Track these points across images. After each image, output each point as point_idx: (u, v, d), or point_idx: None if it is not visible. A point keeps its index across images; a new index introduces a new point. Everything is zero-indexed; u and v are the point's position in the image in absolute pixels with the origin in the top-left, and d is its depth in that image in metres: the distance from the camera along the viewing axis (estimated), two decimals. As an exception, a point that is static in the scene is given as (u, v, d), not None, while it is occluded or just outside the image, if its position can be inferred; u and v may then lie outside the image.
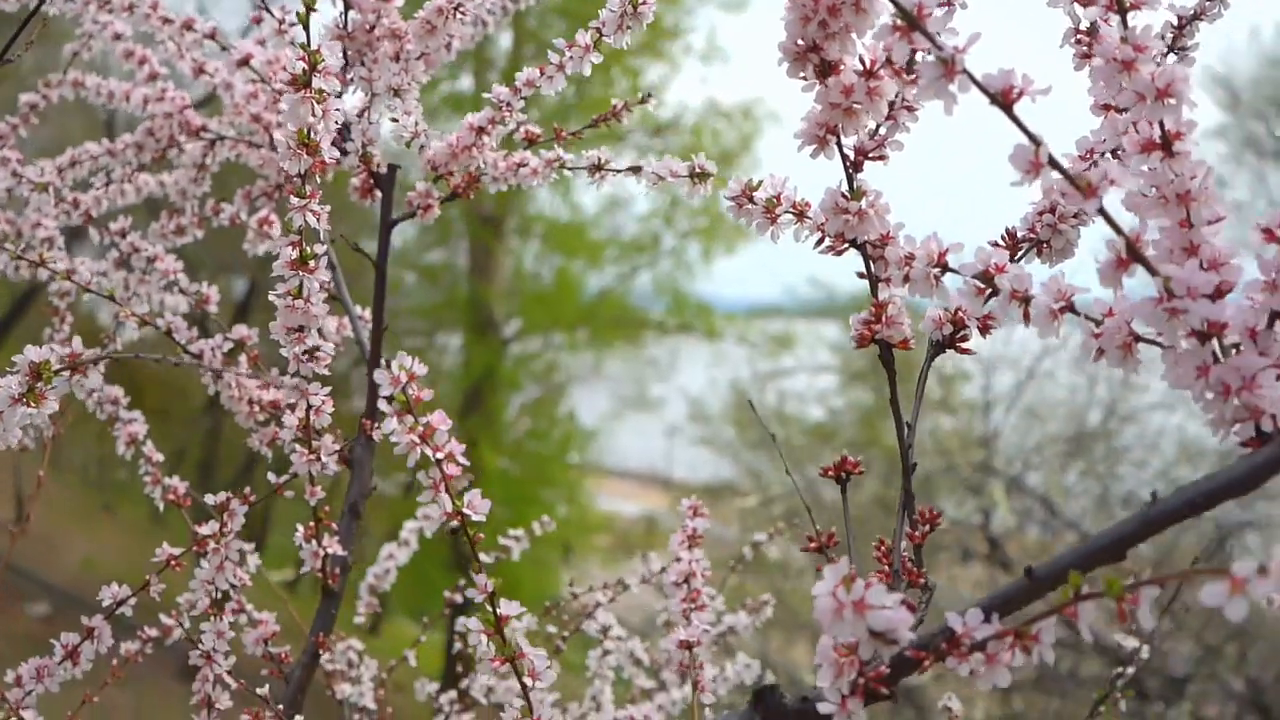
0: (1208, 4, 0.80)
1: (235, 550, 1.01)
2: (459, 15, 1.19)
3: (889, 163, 0.78)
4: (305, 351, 0.99)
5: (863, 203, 0.77)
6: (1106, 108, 0.70)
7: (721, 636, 1.80)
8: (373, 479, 1.27)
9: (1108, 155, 0.74)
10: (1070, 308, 0.68)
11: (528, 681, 0.78)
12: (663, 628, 1.44)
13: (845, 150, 0.77)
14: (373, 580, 1.77)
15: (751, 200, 0.81)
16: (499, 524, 1.79)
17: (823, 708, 0.61)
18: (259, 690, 1.07)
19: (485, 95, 1.22)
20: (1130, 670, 1.33)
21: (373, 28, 1.21)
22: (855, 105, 0.73)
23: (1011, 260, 0.78)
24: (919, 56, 0.63)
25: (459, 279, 9.73)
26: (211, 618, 1.01)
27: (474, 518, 0.77)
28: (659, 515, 9.69)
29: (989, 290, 0.71)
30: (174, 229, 1.51)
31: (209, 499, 1.01)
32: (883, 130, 0.78)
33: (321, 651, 1.18)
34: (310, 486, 1.08)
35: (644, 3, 1.09)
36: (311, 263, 0.95)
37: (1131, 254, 0.62)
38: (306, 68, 0.92)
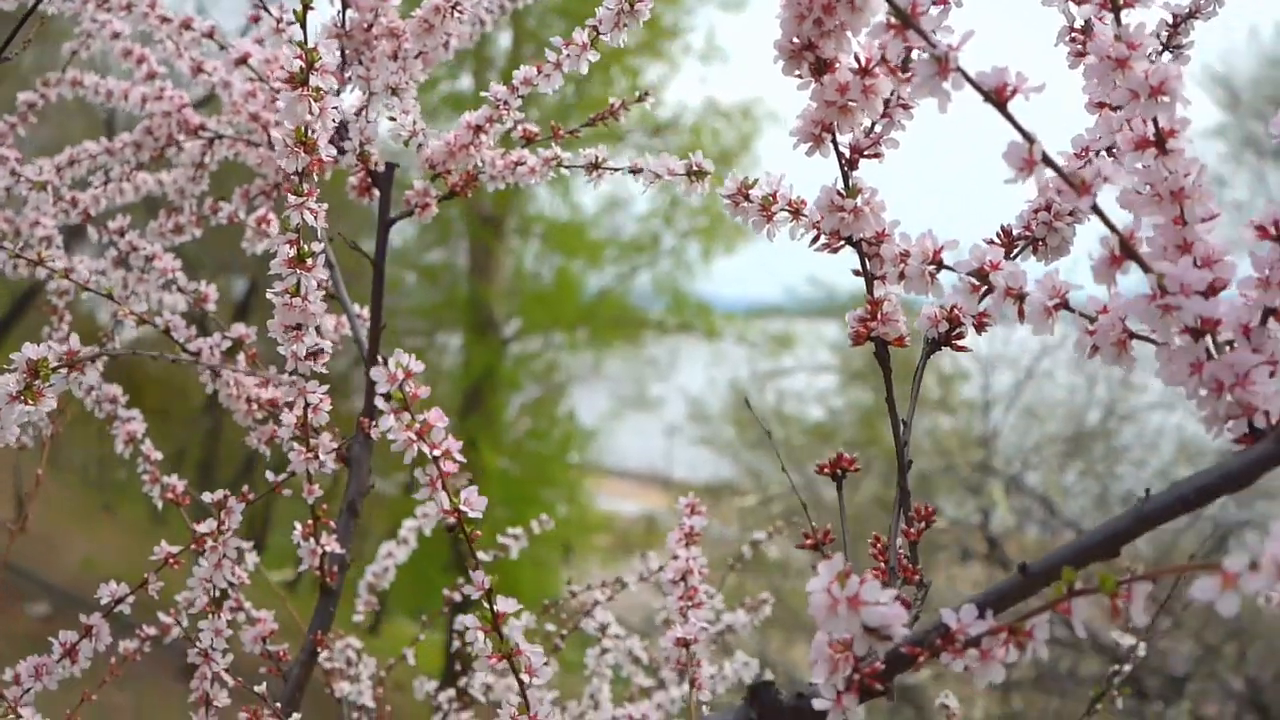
0: (1202, 2, 0.80)
1: (233, 548, 1.01)
2: (456, 14, 1.19)
3: (884, 160, 0.78)
4: (308, 354, 0.99)
5: (858, 200, 0.77)
6: (1101, 105, 0.70)
7: (720, 635, 1.80)
8: (371, 478, 1.27)
9: (1102, 153, 0.75)
10: (1065, 305, 0.68)
11: (525, 678, 0.78)
12: (662, 626, 1.44)
13: (841, 148, 0.77)
14: (371, 579, 1.77)
15: (748, 198, 0.82)
16: (499, 524, 1.79)
17: (818, 704, 0.61)
18: (257, 688, 1.07)
19: (483, 94, 1.22)
20: (1127, 668, 1.33)
21: (370, 26, 1.21)
22: (851, 103, 0.73)
23: (1007, 258, 0.78)
24: (914, 54, 0.63)
25: (459, 279, 9.74)
26: (210, 616, 1.02)
27: (471, 515, 0.77)
28: (659, 515, 9.69)
29: (984, 287, 0.71)
30: (172, 228, 1.51)
31: (207, 497, 1.01)
32: (878, 128, 0.79)
33: (320, 649, 1.19)
34: (308, 485, 1.09)
35: (640, 1, 1.09)
36: (309, 260, 0.96)
37: (1125, 251, 0.62)
38: (304, 66, 0.92)
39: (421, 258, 9.50)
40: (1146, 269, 0.62)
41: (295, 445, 1.05)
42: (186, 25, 1.40)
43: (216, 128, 1.49)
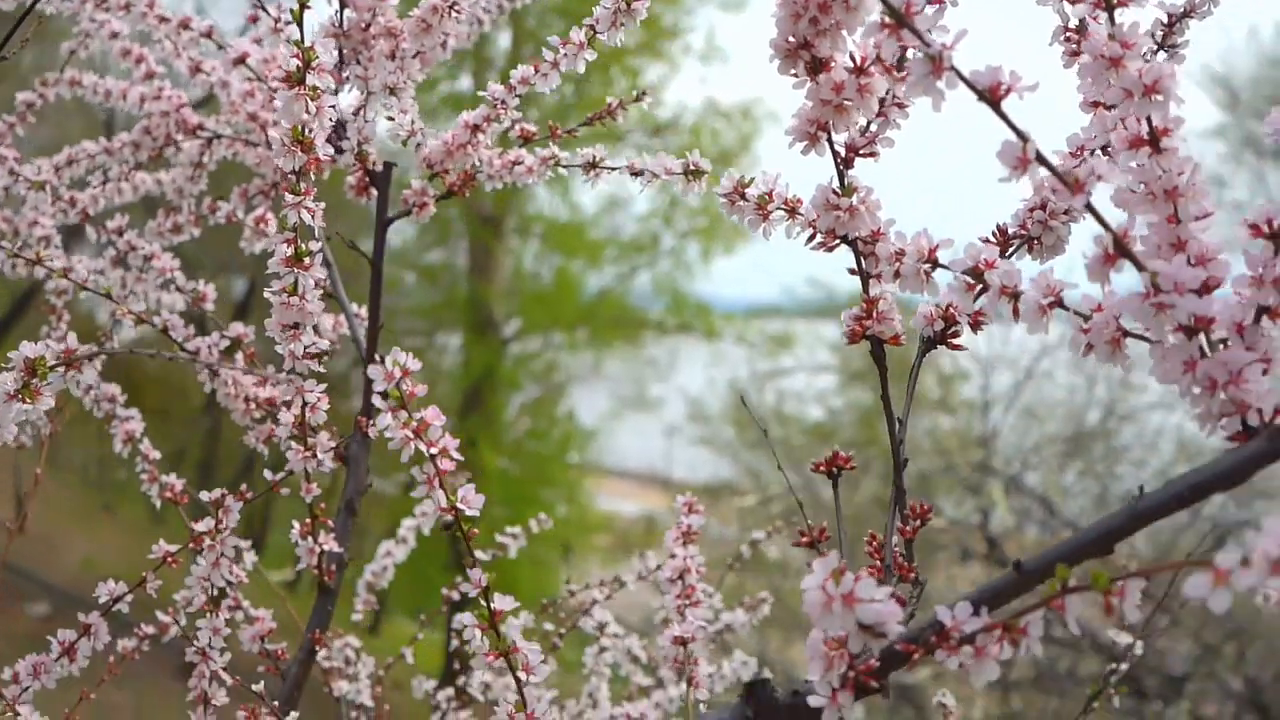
0: (1197, 1, 0.81)
1: (231, 547, 1.01)
2: (454, 13, 1.19)
3: (880, 159, 0.79)
4: (305, 353, 0.99)
5: (854, 199, 0.77)
6: (1095, 105, 0.71)
7: (719, 634, 1.80)
8: (370, 477, 1.27)
9: (1097, 152, 0.75)
10: (1059, 303, 0.68)
11: (522, 676, 0.78)
12: (660, 625, 1.44)
13: (836, 147, 0.77)
14: (370, 578, 1.77)
15: (744, 197, 0.82)
16: (498, 524, 1.79)
17: (813, 701, 0.61)
18: (255, 687, 1.07)
19: (480, 94, 1.22)
20: (1124, 666, 1.33)
21: (368, 26, 1.21)
22: (846, 102, 0.73)
23: (1002, 256, 0.78)
24: (909, 54, 0.64)
25: (458, 279, 9.74)
26: (208, 614, 1.02)
27: (468, 513, 0.77)
28: (658, 515, 9.69)
29: (979, 286, 0.71)
30: (171, 227, 1.51)
31: (205, 496, 1.01)
32: (873, 127, 0.79)
33: (318, 648, 1.19)
34: (306, 484, 1.09)
35: (637, 0, 1.09)
36: (306, 259, 0.96)
37: (1119, 249, 0.62)
38: (300, 65, 0.92)
39: (421, 258, 9.50)
40: (1140, 267, 0.62)
41: (293, 444, 1.06)
42: (185, 25, 1.40)
43: (215, 127, 1.49)
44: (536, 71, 1.17)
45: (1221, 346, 0.61)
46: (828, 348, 9.39)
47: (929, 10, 0.64)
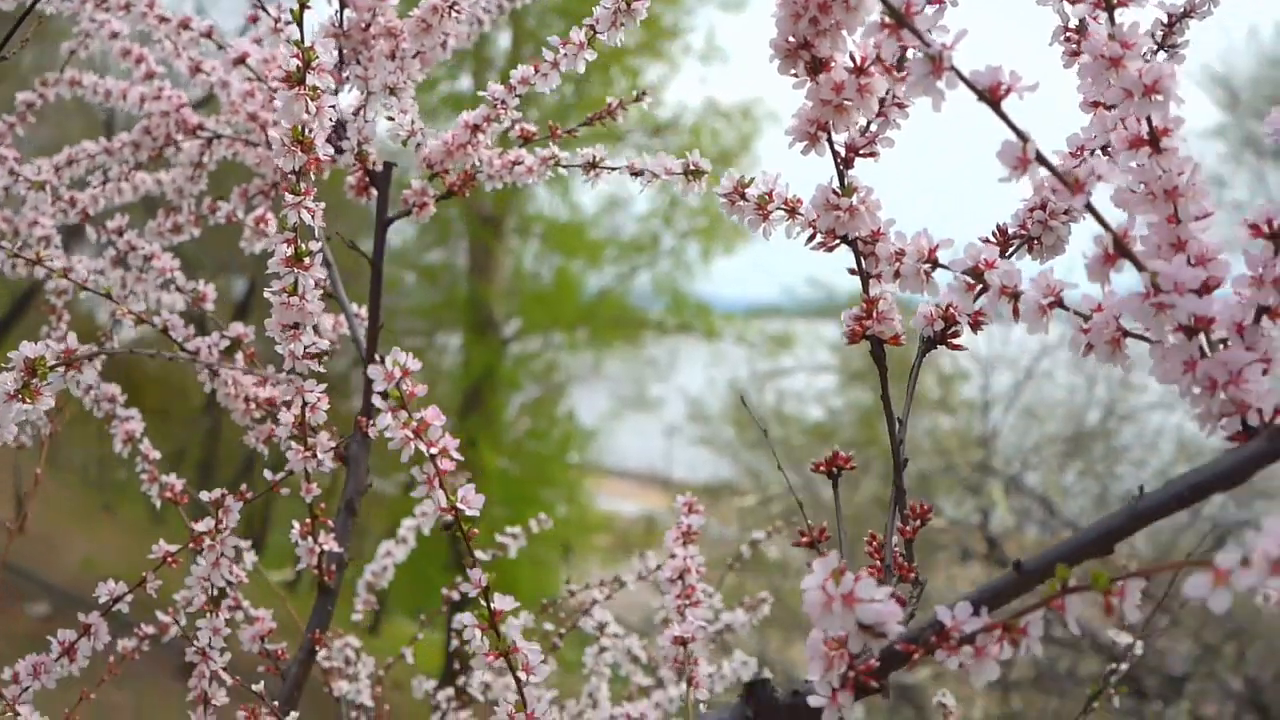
0: (1197, 1, 0.81)
1: (230, 547, 1.01)
2: (454, 13, 1.19)
3: (880, 159, 0.79)
4: (305, 353, 0.99)
5: (854, 199, 0.77)
6: (1095, 105, 0.71)
7: (719, 634, 1.80)
8: (370, 477, 1.27)
9: (1097, 152, 0.75)
10: (1059, 303, 0.68)
11: (522, 676, 0.78)
12: (660, 625, 1.44)
13: (836, 147, 0.77)
14: (370, 578, 1.77)
15: (743, 197, 0.82)
16: (498, 524, 1.79)
17: (813, 701, 0.61)
18: (255, 687, 1.07)
19: (480, 94, 1.22)
20: (1124, 666, 1.33)
21: (368, 26, 1.21)
22: (846, 102, 0.73)
23: (1002, 256, 0.78)
24: (909, 53, 0.64)
25: (458, 279, 9.74)
26: (208, 614, 1.02)
27: (468, 512, 0.77)
28: (658, 515, 9.69)
29: (979, 286, 0.71)
30: (171, 227, 1.51)
31: (204, 496, 1.01)
32: (873, 127, 0.79)
33: (318, 648, 1.19)
34: (306, 483, 1.09)
35: (637, 0, 1.09)
36: (306, 259, 0.96)
37: (1119, 249, 0.62)
38: (300, 65, 0.92)
39: (421, 258, 9.50)
40: (1140, 267, 0.62)
41: (293, 444, 1.06)
42: (185, 25, 1.40)
43: (215, 127, 1.49)
44: (536, 71, 1.17)
45: (1221, 346, 0.61)
46: (828, 348, 9.40)
47: (929, 10, 0.64)
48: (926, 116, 0.69)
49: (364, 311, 1.34)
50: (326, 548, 1.12)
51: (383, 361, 0.73)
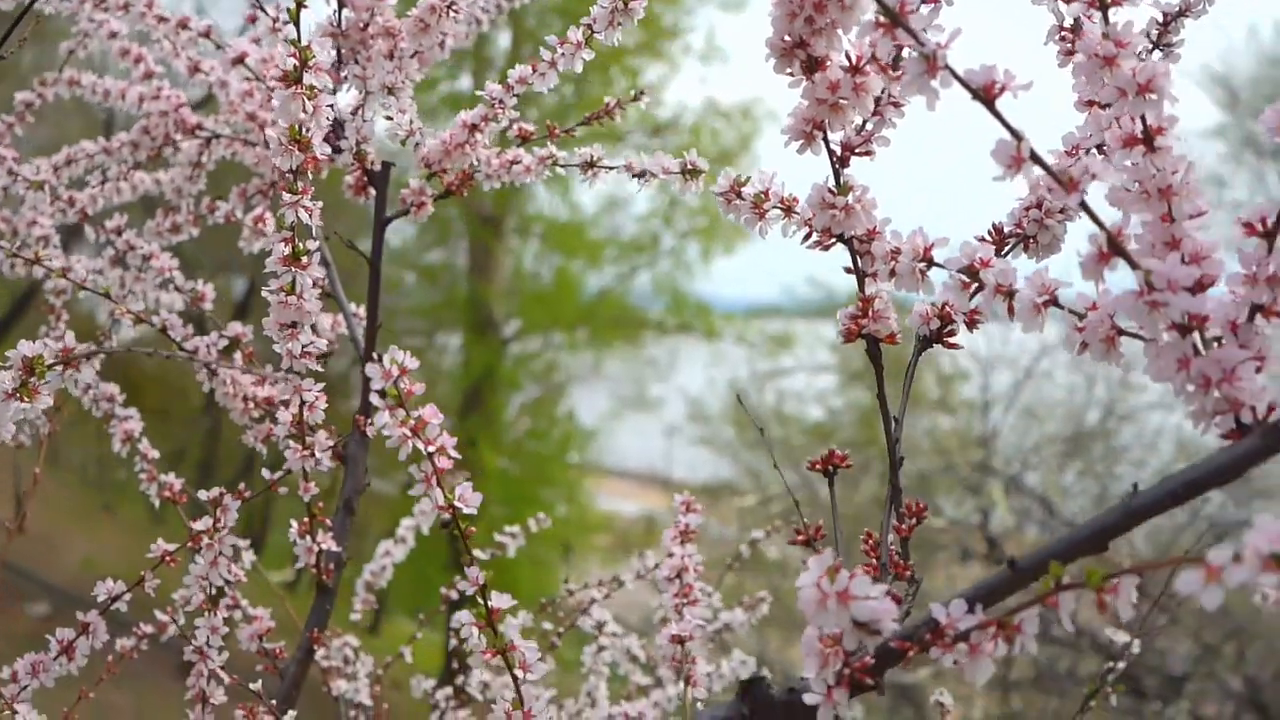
0: (1192, 1, 0.81)
1: (229, 546, 1.01)
2: (452, 13, 1.19)
3: (875, 158, 0.79)
4: (303, 352, 1.00)
5: (849, 198, 0.77)
6: (1090, 104, 0.71)
7: (718, 633, 1.80)
8: (369, 477, 1.27)
9: (1092, 151, 0.75)
10: (1054, 302, 0.68)
11: (519, 673, 0.78)
12: (659, 624, 1.44)
13: (832, 146, 0.78)
14: (369, 577, 1.77)
15: (740, 196, 0.82)
16: (498, 524, 1.80)
17: (808, 698, 0.61)
18: (253, 686, 1.07)
19: (478, 93, 1.22)
20: (1121, 665, 1.34)
21: (366, 25, 1.21)
22: (842, 101, 0.73)
23: (998, 255, 0.78)
24: (904, 52, 0.64)
25: (458, 279, 9.74)
26: (206, 613, 1.02)
27: (465, 511, 0.77)
28: (658, 515, 9.69)
29: (974, 285, 0.71)
30: (169, 227, 1.52)
31: (203, 495, 1.02)
32: (869, 126, 0.79)
33: (317, 647, 1.19)
34: (304, 483, 1.09)
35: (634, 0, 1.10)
36: (304, 258, 0.96)
37: (1113, 248, 0.62)
38: (298, 64, 0.93)
39: (421, 258, 9.50)
40: (1135, 266, 0.62)
41: (291, 443, 1.06)
42: (183, 25, 1.40)
43: (213, 127, 1.49)
44: (534, 71, 1.18)
45: (1215, 344, 0.61)
46: (827, 348, 9.39)
47: (924, 9, 0.64)
48: (922, 115, 0.69)
49: (362, 311, 1.34)
50: (325, 547, 1.12)
51: (381, 360, 0.73)
